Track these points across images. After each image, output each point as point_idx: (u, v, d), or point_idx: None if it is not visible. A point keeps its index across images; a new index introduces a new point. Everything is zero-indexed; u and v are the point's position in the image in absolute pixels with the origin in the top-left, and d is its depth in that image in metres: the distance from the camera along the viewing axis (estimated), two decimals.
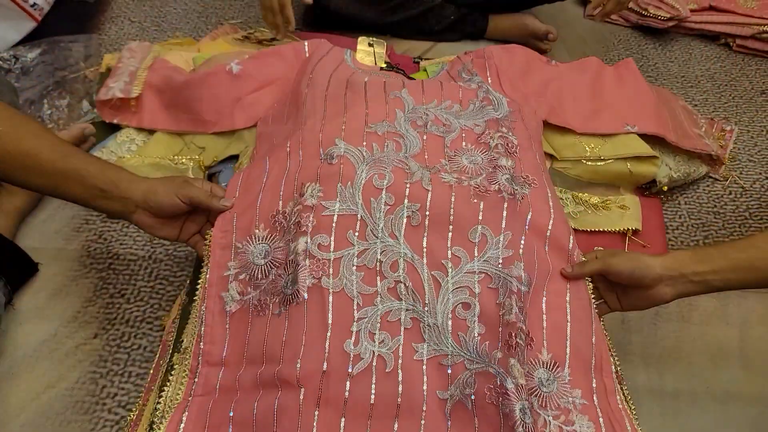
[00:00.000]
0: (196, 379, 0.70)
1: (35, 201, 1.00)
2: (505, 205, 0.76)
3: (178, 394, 0.70)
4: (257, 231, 0.77)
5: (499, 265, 0.72)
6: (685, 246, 1.02)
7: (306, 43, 1.09)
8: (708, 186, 1.11)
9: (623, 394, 0.75)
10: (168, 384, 0.73)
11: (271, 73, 1.05)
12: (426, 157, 0.82)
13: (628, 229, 0.99)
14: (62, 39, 1.26)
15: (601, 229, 0.99)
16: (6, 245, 0.88)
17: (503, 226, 0.75)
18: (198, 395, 0.69)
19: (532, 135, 0.91)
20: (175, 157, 1.02)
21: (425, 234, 0.74)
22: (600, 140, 1.03)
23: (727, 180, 1.12)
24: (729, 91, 1.31)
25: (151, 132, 1.07)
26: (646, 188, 1.07)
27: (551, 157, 1.03)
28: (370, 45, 1.22)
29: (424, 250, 0.73)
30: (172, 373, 0.73)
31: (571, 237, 0.79)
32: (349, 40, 1.26)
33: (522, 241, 0.74)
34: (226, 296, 0.74)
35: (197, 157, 1.01)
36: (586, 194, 1.01)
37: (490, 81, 1.02)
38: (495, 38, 1.38)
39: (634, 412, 0.78)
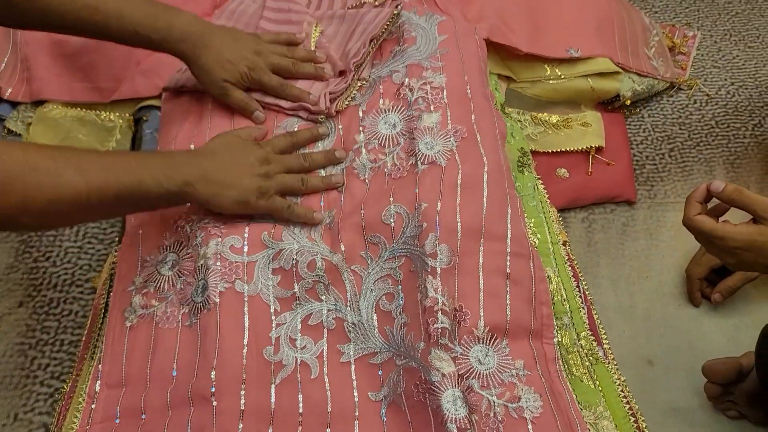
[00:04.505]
0: (93, 405, 0.64)
1: None
2: (419, 175, 0.70)
3: (74, 422, 0.64)
4: (165, 240, 0.71)
5: (416, 243, 0.66)
6: (650, 161, 0.97)
7: None
8: (672, 96, 1.05)
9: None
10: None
11: None
12: (342, 143, 0.77)
13: (591, 147, 0.94)
14: None
15: (563, 150, 0.93)
16: None
17: (417, 196, 0.68)
18: (97, 423, 0.63)
19: (465, 59, 0.82)
20: (102, 112, 0.93)
21: (340, 231, 0.69)
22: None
23: (691, 89, 1.06)
24: None
25: None
26: (609, 103, 1.00)
27: (508, 79, 0.96)
28: None
29: (341, 245, 0.68)
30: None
31: (507, 187, 0.73)
32: None
33: (438, 206, 0.66)
34: (127, 311, 0.68)
35: (127, 115, 0.93)
36: (545, 114, 0.95)
37: (425, 6, 0.92)
38: None
39: (605, 337, 0.75)
